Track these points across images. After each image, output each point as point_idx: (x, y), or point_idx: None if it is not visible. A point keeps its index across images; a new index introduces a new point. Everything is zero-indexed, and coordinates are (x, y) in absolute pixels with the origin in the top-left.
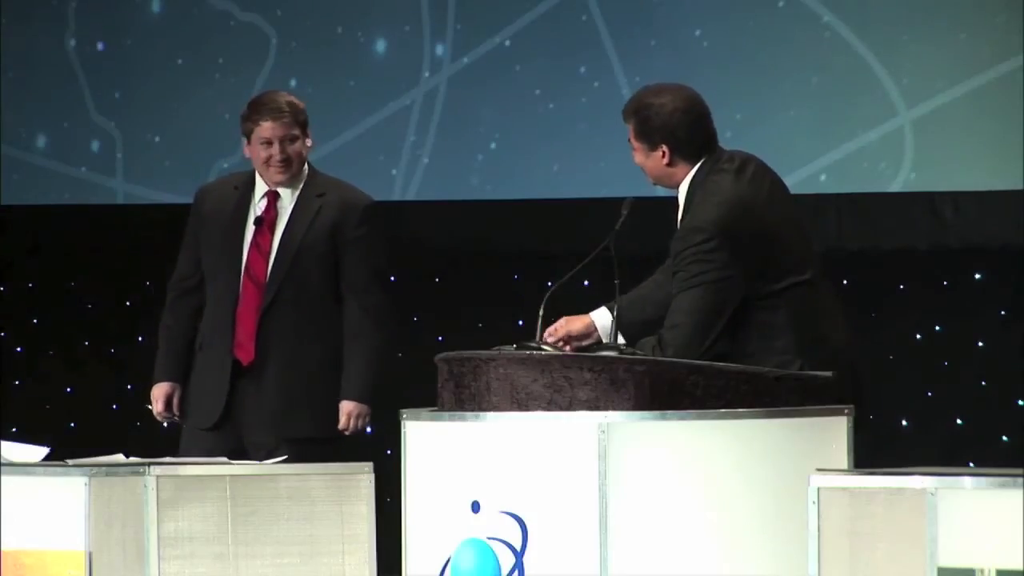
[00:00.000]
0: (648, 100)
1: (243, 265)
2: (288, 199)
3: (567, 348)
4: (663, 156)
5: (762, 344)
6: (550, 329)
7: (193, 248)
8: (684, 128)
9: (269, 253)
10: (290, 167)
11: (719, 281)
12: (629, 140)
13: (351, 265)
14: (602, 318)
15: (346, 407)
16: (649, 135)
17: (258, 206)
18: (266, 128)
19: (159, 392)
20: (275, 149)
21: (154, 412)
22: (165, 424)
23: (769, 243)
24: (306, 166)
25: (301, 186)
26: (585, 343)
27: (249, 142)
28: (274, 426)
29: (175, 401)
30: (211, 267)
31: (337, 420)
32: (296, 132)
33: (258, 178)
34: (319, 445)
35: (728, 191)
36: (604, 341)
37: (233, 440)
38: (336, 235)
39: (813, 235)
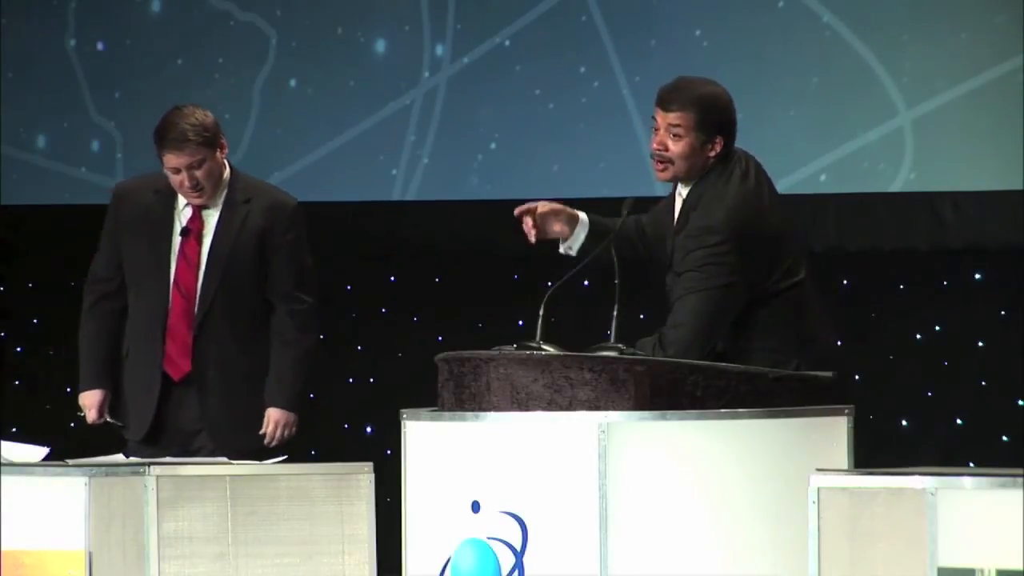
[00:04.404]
0: (707, 90)
1: (171, 276)
2: (213, 206)
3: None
4: (712, 149)
5: (760, 343)
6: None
7: (112, 250)
8: (736, 121)
9: (198, 265)
10: (203, 191)
11: (727, 286)
12: (677, 127)
13: (278, 269)
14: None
15: (273, 415)
16: (711, 126)
17: (183, 214)
18: (170, 159)
19: (91, 400)
20: (183, 176)
21: (88, 419)
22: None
23: (775, 245)
24: (227, 171)
25: (225, 192)
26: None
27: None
28: (219, 438)
29: (106, 408)
30: (135, 275)
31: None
32: (202, 156)
33: None
34: (256, 455)
35: (739, 194)
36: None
37: (164, 451)
38: (264, 240)
39: (813, 235)
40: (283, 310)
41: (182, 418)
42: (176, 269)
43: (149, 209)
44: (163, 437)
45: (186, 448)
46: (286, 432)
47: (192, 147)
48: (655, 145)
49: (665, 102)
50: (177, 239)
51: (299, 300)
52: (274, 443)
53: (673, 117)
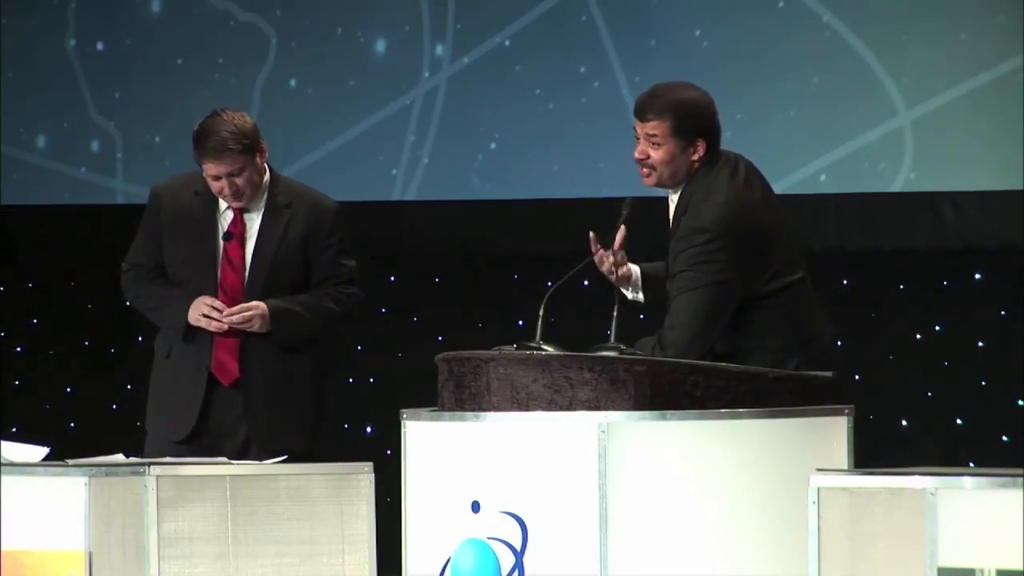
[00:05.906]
0: (682, 96)
1: (217, 280)
2: (254, 210)
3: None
4: (695, 152)
5: (759, 343)
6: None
7: (151, 246)
8: (717, 123)
9: (243, 269)
10: (243, 197)
11: (721, 283)
12: (654, 135)
13: (325, 264)
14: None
15: (258, 303)
16: (689, 131)
17: (224, 217)
18: (209, 168)
19: (199, 302)
20: (223, 183)
21: (224, 317)
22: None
23: (767, 243)
24: (267, 174)
25: (265, 196)
26: (620, 272)
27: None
28: (261, 442)
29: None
30: (179, 277)
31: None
32: (241, 164)
33: None
34: (297, 458)
35: (728, 192)
36: (628, 291)
37: (204, 451)
38: (308, 244)
39: (813, 235)
40: (331, 286)
41: (225, 421)
42: (220, 273)
43: (190, 210)
44: (203, 439)
45: (213, 451)
46: (246, 319)
47: (232, 155)
48: (637, 154)
49: (641, 111)
50: (220, 242)
51: (349, 285)
52: (231, 316)
53: (650, 126)
